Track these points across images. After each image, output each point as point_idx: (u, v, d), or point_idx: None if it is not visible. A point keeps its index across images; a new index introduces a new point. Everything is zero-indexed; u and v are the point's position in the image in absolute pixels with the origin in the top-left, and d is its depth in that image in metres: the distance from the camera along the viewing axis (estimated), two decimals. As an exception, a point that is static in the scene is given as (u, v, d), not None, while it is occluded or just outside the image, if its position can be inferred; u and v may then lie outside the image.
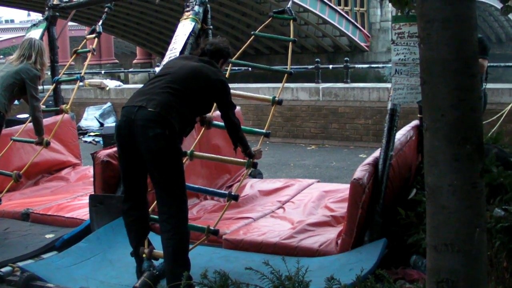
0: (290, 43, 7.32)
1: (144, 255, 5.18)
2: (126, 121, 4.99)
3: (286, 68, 7.19)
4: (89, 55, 8.78)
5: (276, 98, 6.66)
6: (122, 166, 5.35)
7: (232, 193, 6.03)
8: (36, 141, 7.80)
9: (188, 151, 6.25)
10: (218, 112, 5.74)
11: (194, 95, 5.14)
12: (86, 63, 9.13)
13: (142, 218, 5.27)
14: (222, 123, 6.09)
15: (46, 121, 8.59)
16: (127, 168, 5.20)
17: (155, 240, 5.28)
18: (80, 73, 9.04)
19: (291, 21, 7.49)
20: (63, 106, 8.58)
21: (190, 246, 5.19)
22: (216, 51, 5.60)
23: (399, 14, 5.59)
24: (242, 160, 6.25)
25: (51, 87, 9.27)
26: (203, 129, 6.49)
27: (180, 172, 5.04)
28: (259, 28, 7.86)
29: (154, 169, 4.97)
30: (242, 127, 5.77)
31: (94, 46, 8.70)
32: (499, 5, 6.16)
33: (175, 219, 4.94)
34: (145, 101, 4.94)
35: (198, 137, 6.77)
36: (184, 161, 5.66)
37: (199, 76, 5.22)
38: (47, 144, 7.85)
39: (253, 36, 7.72)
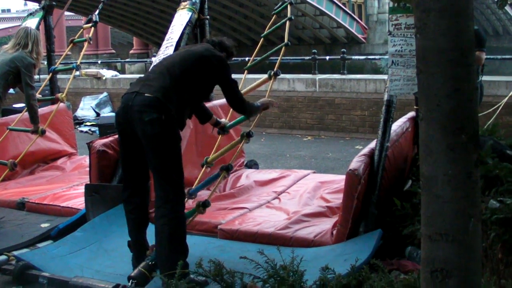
0: (287, 21, 7.34)
1: (148, 252, 5.18)
2: (124, 108, 4.99)
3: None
4: (86, 44, 8.75)
5: (272, 72, 6.65)
6: (121, 153, 5.38)
7: (224, 165, 6.01)
8: (32, 130, 7.79)
9: (204, 160, 6.29)
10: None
11: (192, 77, 5.13)
12: (82, 52, 9.09)
13: (142, 207, 5.26)
14: (232, 123, 6.16)
15: (42, 110, 8.58)
16: (127, 155, 5.21)
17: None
18: (76, 62, 9.01)
19: (288, 5, 7.54)
20: (59, 95, 8.57)
21: (192, 237, 5.26)
22: (220, 43, 5.59)
23: (396, 5, 5.59)
24: (238, 139, 6.32)
25: (48, 76, 9.23)
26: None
27: (177, 157, 5.02)
28: (266, 28, 7.86)
29: (151, 153, 4.96)
30: (240, 118, 5.80)
31: (90, 35, 8.67)
32: (495, -3, 6.16)
33: (171, 204, 4.92)
34: (142, 87, 4.96)
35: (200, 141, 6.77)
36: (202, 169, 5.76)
37: (194, 56, 5.23)
38: (43, 133, 7.84)
39: (262, 39, 7.77)
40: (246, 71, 7.49)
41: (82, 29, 9.24)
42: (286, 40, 7.03)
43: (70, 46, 8.87)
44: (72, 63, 9.25)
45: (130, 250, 5.27)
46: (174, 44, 7.08)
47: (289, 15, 7.41)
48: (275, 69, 6.66)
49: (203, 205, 5.54)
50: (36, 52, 7.47)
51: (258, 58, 7.61)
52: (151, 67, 5.56)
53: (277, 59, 7.08)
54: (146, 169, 5.18)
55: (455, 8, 2.59)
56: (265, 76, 6.87)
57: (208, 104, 7.47)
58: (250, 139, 6.20)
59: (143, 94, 4.90)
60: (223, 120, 6.33)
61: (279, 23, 7.61)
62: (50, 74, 9.07)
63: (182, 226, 5.01)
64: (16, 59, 7.32)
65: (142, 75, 5.33)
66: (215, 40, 5.64)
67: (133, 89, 5.01)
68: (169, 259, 4.80)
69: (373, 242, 5.13)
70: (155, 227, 4.96)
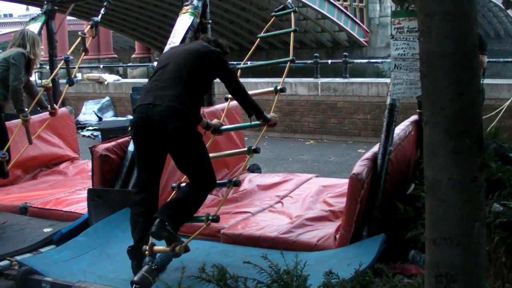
0: (292, 33, 7.30)
1: (146, 252, 5.18)
2: (142, 117, 5.16)
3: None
4: (79, 38, 8.53)
5: (278, 87, 6.64)
6: (138, 160, 5.52)
7: (233, 179, 6.01)
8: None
9: None
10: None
11: (196, 76, 5.30)
12: (79, 61, 9.02)
13: (152, 211, 5.33)
14: (230, 126, 6.16)
15: (45, 114, 8.61)
16: (144, 161, 5.39)
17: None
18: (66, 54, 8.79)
19: (292, 13, 7.51)
20: (44, 82, 8.47)
21: (195, 240, 5.32)
22: (215, 40, 5.76)
23: (398, 9, 5.58)
24: (243, 149, 6.30)
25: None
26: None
27: (205, 157, 5.37)
28: (264, 29, 7.86)
29: (180, 159, 5.30)
30: (242, 124, 5.81)
31: (85, 30, 8.64)
32: (498, 1, 6.15)
33: (200, 182, 5.34)
34: (156, 98, 5.11)
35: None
36: None
37: (193, 55, 5.37)
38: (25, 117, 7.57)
39: (258, 39, 7.74)
40: (239, 70, 7.42)
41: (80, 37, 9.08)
42: (291, 56, 7.00)
43: (82, 56, 8.71)
44: (73, 67, 9.16)
45: (130, 257, 5.25)
46: (176, 48, 7.09)
47: (293, 24, 7.34)
48: (280, 86, 6.64)
49: (213, 220, 5.52)
50: (34, 53, 7.42)
51: (259, 63, 7.60)
52: (154, 71, 5.57)
53: (277, 62, 7.06)
54: (159, 175, 5.44)
55: (459, 12, 2.59)
56: (271, 88, 6.86)
57: (210, 109, 7.50)
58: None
59: (160, 105, 5.06)
60: (215, 121, 6.35)
61: (282, 31, 7.57)
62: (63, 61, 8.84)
63: (200, 200, 5.39)
64: (6, 55, 7.30)
65: (150, 85, 5.37)
66: (209, 38, 5.86)
67: (147, 101, 5.16)
68: (176, 211, 5.21)
69: (377, 246, 5.12)
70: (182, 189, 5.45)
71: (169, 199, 5.45)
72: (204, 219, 5.43)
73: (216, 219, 5.48)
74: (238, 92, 5.66)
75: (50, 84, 8.43)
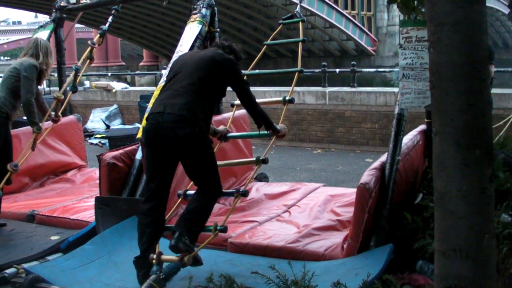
0: (300, 43, 7.29)
1: (153, 261, 5.17)
2: (154, 124, 5.18)
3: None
4: (87, 61, 8.60)
5: (287, 98, 6.63)
6: (148, 168, 5.50)
7: (241, 189, 6.01)
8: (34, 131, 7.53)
9: None
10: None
11: (208, 84, 5.29)
12: (86, 53, 9.00)
13: (160, 221, 5.34)
14: (237, 134, 6.14)
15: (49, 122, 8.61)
16: (155, 170, 5.36)
17: (164, 245, 5.25)
18: (77, 64, 8.81)
19: (300, 22, 7.48)
20: (57, 94, 8.45)
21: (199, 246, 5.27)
22: (229, 46, 5.71)
23: (406, 18, 5.57)
24: (251, 159, 6.30)
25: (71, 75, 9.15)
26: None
27: (213, 164, 5.35)
28: (271, 36, 7.85)
29: (189, 165, 5.29)
30: (250, 133, 5.79)
31: (94, 40, 8.66)
32: (506, 10, 6.14)
33: (209, 190, 5.34)
34: (168, 107, 5.12)
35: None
36: None
37: (207, 63, 5.36)
38: (38, 130, 7.54)
39: (265, 46, 7.70)
40: (246, 77, 7.41)
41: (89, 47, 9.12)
42: (299, 67, 6.99)
43: (87, 64, 8.75)
44: (83, 75, 9.16)
45: (136, 267, 5.23)
46: (185, 57, 7.11)
47: (301, 34, 7.32)
48: (289, 96, 6.63)
49: (221, 230, 5.51)
50: (46, 63, 7.35)
51: (267, 71, 7.58)
52: (166, 80, 5.55)
53: (285, 72, 7.04)
54: (169, 186, 5.42)
55: (469, 22, 2.58)
56: (279, 98, 6.84)
57: (218, 117, 7.49)
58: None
59: (171, 113, 5.08)
60: (221, 127, 6.33)
61: (290, 40, 7.55)
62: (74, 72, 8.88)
63: (211, 209, 5.39)
64: (17, 63, 7.26)
65: (162, 94, 5.39)
66: (224, 43, 5.75)
67: (158, 109, 5.18)
68: (192, 222, 5.21)
69: (385, 256, 5.09)
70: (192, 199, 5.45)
71: (183, 212, 5.39)
72: (212, 229, 5.42)
73: (224, 229, 5.48)
74: (249, 102, 5.64)
75: (62, 96, 8.44)
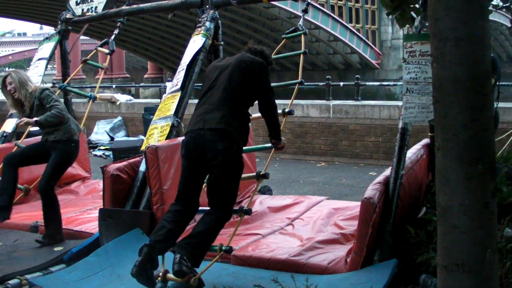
0: (301, 55, 7.35)
1: (159, 278, 5.17)
2: (195, 137, 5.28)
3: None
4: (102, 72, 8.79)
5: (286, 110, 6.67)
6: (183, 181, 5.48)
7: (244, 208, 6.04)
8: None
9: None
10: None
11: (242, 91, 5.37)
12: (99, 80, 9.14)
13: (181, 224, 5.42)
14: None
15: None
16: (188, 184, 5.43)
17: (169, 260, 5.24)
18: (93, 92, 8.99)
19: (302, 35, 7.55)
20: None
21: (206, 265, 5.30)
22: (262, 52, 5.76)
23: (410, 32, 5.59)
24: (252, 174, 6.32)
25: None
26: None
27: (236, 189, 5.44)
28: (275, 50, 7.87)
29: (216, 181, 5.29)
30: (251, 146, 5.80)
31: (106, 63, 8.75)
32: (510, 24, 6.17)
33: (221, 213, 5.35)
34: (207, 122, 5.23)
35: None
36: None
37: (238, 70, 5.41)
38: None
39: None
40: None
41: (95, 50, 9.27)
42: (300, 78, 7.04)
43: (81, 65, 8.85)
44: (86, 87, 9.22)
45: (139, 254, 5.19)
46: (185, 68, 7.18)
47: (303, 47, 7.39)
48: (288, 108, 6.68)
49: (226, 251, 5.55)
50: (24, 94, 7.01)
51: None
52: (202, 92, 5.57)
53: (286, 84, 7.06)
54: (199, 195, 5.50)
55: (472, 38, 2.59)
56: (279, 111, 6.86)
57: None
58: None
59: (210, 128, 5.19)
60: None
61: (292, 53, 7.59)
62: (58, 90, 9.03)
63: (218, 232, 5.38)
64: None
65: (199, 109, 5.44)
66: (257, 48, 5.79)
67: (198, 126, 5.28)
68: (195, 246, 5.19)
69: (389, 272, 5.08)
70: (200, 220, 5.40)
71: (190, 233, 5.37)
72: (218, 250, 5.51)
73: (229, 250, 5.58)
74: (271, 110, 5.68)
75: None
